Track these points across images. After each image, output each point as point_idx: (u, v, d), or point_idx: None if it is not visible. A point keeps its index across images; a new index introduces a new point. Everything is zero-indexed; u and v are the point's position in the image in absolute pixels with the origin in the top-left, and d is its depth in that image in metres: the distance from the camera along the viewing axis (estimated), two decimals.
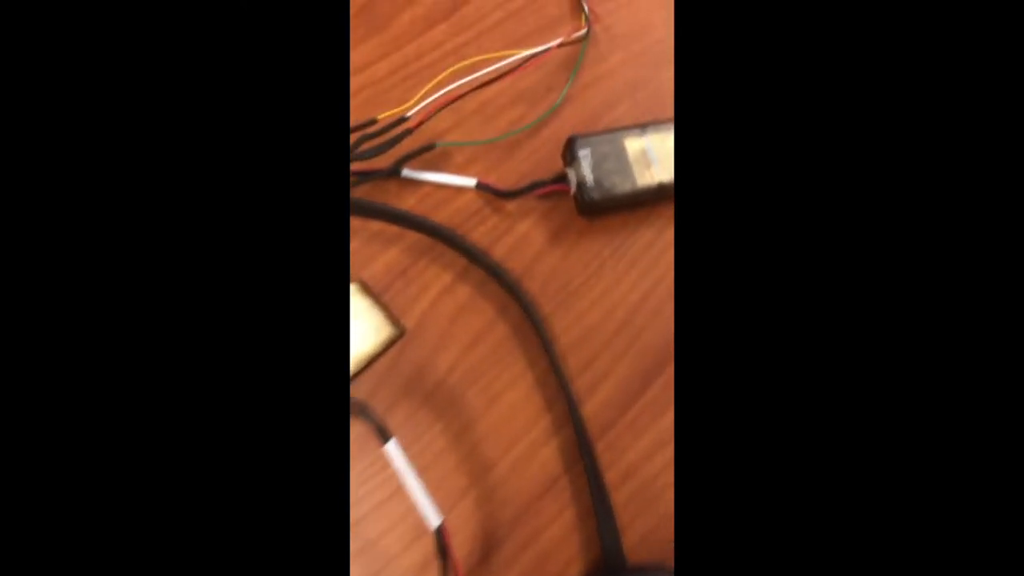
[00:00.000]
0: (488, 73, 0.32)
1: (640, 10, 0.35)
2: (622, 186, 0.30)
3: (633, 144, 0.30)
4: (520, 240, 0.31)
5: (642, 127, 0.31)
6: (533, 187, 0.31)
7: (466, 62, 0.33)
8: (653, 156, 0.30)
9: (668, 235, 0.31)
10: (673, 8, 0.34)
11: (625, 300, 0.30)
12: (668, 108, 0.33)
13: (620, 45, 0.34)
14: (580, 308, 0.30)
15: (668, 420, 0.29)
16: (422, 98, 0.31)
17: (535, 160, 0.32)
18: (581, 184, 0.29)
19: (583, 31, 0.33)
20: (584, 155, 0.30)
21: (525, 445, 0.28)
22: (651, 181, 0.30)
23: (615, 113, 0.33)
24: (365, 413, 0.25)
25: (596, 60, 0.34)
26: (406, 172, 0.30)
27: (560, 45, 0.33)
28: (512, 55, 0.32)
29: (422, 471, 0.26)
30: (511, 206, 0.31)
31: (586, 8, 0.34)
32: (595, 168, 0.30)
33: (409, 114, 0.31)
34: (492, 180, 0.32)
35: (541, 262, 0.31)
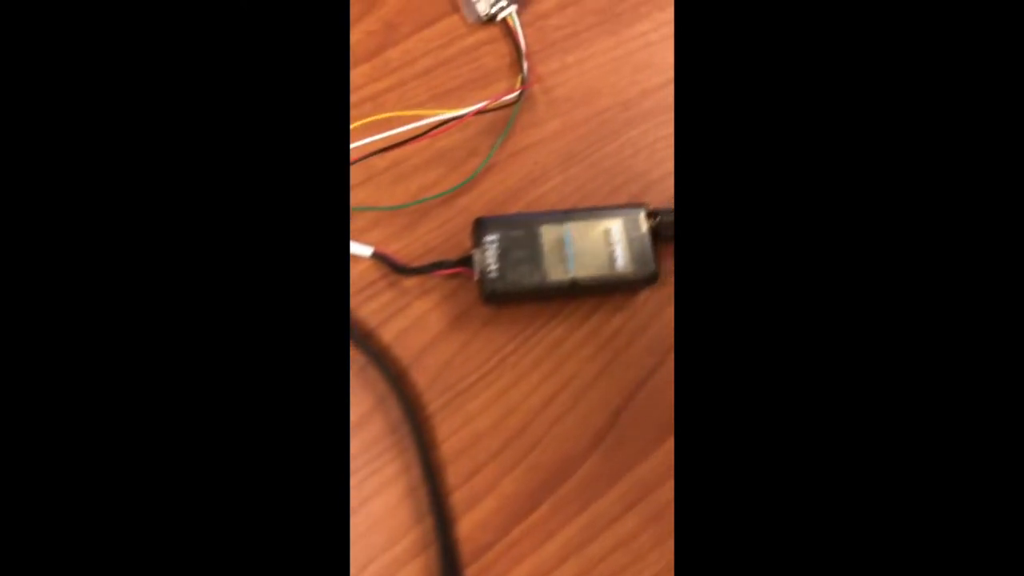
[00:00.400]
0: (402, 133, 0.28)
1: (588, 73, 0.32)
2: (530, 279, 0.26)
3: (550, 233, 0.27)
4: (415, 322, 0.28)
5: (564, 214, 0.27)
6: (434, 267, 0.27)
7: (379, 116, 0.29)
8: (570, 250, 0.27)
9: (580, 333, 0.28)
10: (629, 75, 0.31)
11: (523, 405, 0.27)
12: (601, 192, 0.30)
13: (559, 111, 0.31)
14: (470, 410, 0.27)
15: (553, 547, 0.25)
16: None
17: (446, 232, 0.29)
18: (483, 273, 0.26)
19: (515, 95, 0.30)
20: (491, 240, 0.26)
21: (386, 561, 0.25)
22: (563, 277, 0.26)
23: (541, 189, 0.30)
24: None
25: (530, 125, 0.31)
26: None
27: (481, 112, 0.29)
28: (430, 116, 0.29)
29: None
30: (410, 282, 0.28)
31: (524, 68, 0.31)
32: (502, 256, 0.26)
33: None
34: (393, 250, 0.28)
35: (435, 350, 0.28)
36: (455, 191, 0.29)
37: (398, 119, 0.29)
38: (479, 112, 0.29)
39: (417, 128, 0.28)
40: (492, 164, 0.30)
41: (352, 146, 0.28)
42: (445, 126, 0.29)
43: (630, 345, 0.28)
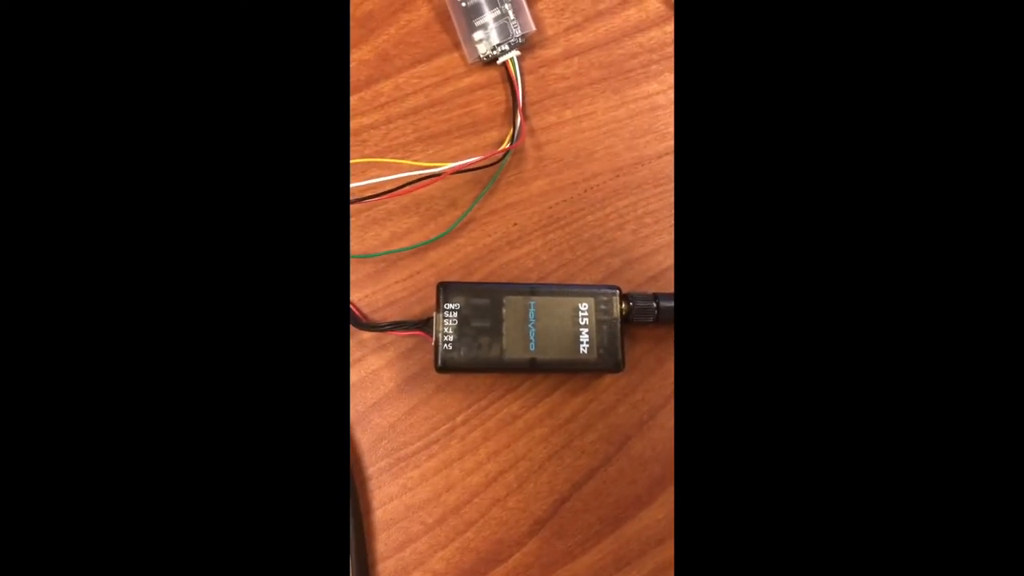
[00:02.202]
0: (378, 184, 0.27)
1: (584, 132, 0.30)
2: (487, 354, 0.25)
3: (514, 306, 0.26)
4: (367, 377, 0.27)
5: (532, 287, 0.26)
6: (392, 326, 0.26)
7: (359, 160, 0.28)
8: (534, 327, 0.26)
9: (536, 412, 0.27)
10: (621, 142, 0.30)
11: (465, 481, 0.26)
12: (579, 262, 0.28)
13: (548, 170, 0.30)
14: (410, 478, 0.26)
15: None
16: None
17: (413, 285, 0.28)
18: (439, 342, 0.25)
19: (500, 154, 0.29)
20: (452, 308, 0.25)
21: None
22: (522, 356, 0.25)
23: (517, 252, 0.29)
24: None
25: (515, 181, 0.29)
26: None
27: (462, 170, 0.28)
28: (409, 167, 0.28)
29: None
30: (367, 334, 0.27)
31: (517, 123, 0.29)
32: (462, 325, 0.25)
33: None
34: (355, 299, 0.27)
35: (382, 410, 0.27)
36: (427, 244, 0.28)
37: (375, 165, 0.28)
38: (459, 171, 0.28)
39: (395, 180, 0.27)
40: (470, 219, 0.29)
41: None
42: (421, 182, 0.27)
43: (586, 431, 0.27)
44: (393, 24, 0.31)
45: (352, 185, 0.27)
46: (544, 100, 0.31)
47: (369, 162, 0.28)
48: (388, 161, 0.28)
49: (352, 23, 0.31)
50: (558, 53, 0.31)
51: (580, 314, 0.26)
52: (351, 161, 0.28)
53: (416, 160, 0.29)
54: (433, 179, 0.27)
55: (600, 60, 0.31)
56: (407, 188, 0.27)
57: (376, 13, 0.31)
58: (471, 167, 0.28)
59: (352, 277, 0.28)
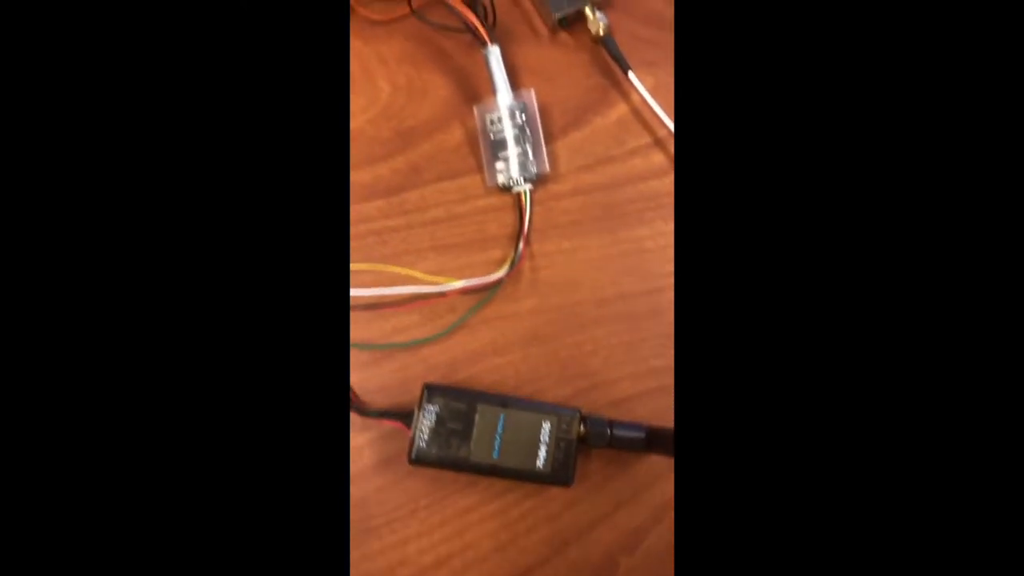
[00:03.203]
0: (390, 295, 0.32)
1: (577, 263, 0.34)
2: (455, 454, 0.29)
3: (486, 415, 0.30)
4: (350, 452, 0.31)
5: (504, 399, 0.30)
6: (379, 414, 0.30)
7: (374, 267, 0.33)
8: (499, 437, 0.29)
9: (489, 508, 0.31)
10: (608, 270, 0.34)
11: (417, 559, 0.30)
12: (550, 377, 0.32)
13: (539, 292, 0.34)
14: (368, 549, 0.30)
15: None
16: None
17: (403, 376, 0.32)
18: (415, 437, 0.29)
19: (498, 276, 0.33)
20: (430, 410, 0.29)
21: None
22: (485, 460, 0.29)
23: (499, 360, 0.33)
24: None
25: (509, 297, 0.34)
26: None
27: (465, 291, 0.32)
28: (420, 280, 0.32)
29: None
30: (356, 415, 0.31)
31: (518, 249, 0.33)
32: (437, 425, 0.29)
33: None
34: (352, 381, 0.31)
35: (357, 483, 0.31)
36: (423, 343, 0.32)
37: (389, 273, 0.33)
38: (463, 292, 0.32)
39: (406, 294, 0.32)
40: (464, 324, 0.33)
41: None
42: (428, 299, 0.32)
43: (531, 531, 0.31)
44: (429, 141, 0.35)
45: (369, 292, 0.32)
46: (547, 229, 0.35)
47: (386, 270, 0.33)
48: (402, 271, 0.33)
49: (396, 135, 0.35)
50: (567, 189, 0.35)
51: (543, 431, 0.30)
52: (369, 266, 0.33)
53: (425, 272, 0.33)
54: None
55: (602, 201, 0.35)
56: (416, 303, 0.32)
57: (418, 129, 0.35)
58: (472, 289, 0.33)
59: (352, 362, 0.32)
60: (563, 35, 0.37)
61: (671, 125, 0.36)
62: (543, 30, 0.38)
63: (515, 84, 0.36)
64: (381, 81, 0.36)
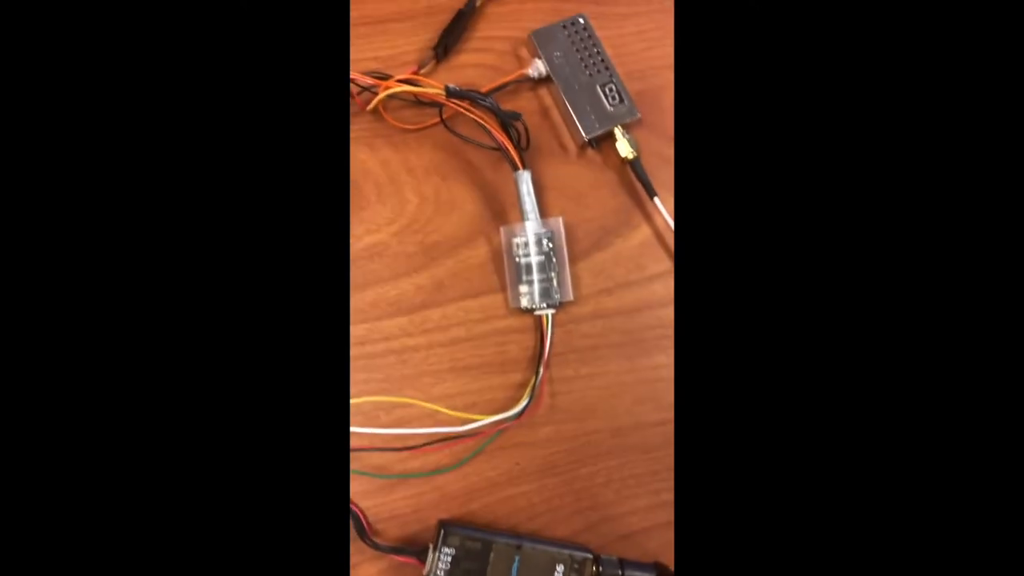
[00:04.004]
0: (402, 436, 0.32)
1: (594, 390, 0.35)
2: None
3: (500, 555, 0.30)
4: None
5: (519, 539, 0.30)
6: (393, 550, 0.31)
7: (391, 399, 0.33)
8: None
9: None
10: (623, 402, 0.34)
11: None
12: (563, 510, 0.33)
13: (556, 419, 0.34)
14: None
15: None
16: None
17: (417, 503, 0.32)
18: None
19: (516, 412, 0.33)
20: (448, 552, 0.29)
21: None
22: None
23: (513, 490, 0.33)
24: None
25: (526, 423, 0.34)
26: None
27: (482, 432, 0.32)
28: (436, 420, 0.32)
29: None
30: (368, 543, 0.31)
31: (538, 377, 0.34)
32: (453, 566, 0.29)
33: None
34: (365, 507, 0.31)
35: None
36: (439, 473, 0.32)
37: (408, 405, 0.33)
38: (479, 433, 0.32)
39: (423, 436, 0.32)
40: (481, 450, 0.33)
41: (353, 431, 0.32)
42: (450, 442, 0.32)
43: None
44: (454, 257, 0.35)
45: (392, 431, 0.32)
46: (567, 353, 0.35)
47: (404, 402, 0.33)
48: (424, 405, 0.33)
49: (421, 249, 0.35)
50: (587, 312, 0.36)
51: (556, 572, 0.30)
52: (389, 398, 0.33)
53: (446, 404, 0.33)
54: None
55: (622, 326, 0.36)
56: (438, 446, 0.32)
57: (443, 244, 0.35)
58: (493, 430, 0.33)
59: (364, 488, 0.32)
60: (591, 153, 0.38)
61: None
62: (572, 147, 0.38)
63: (541, 201, 0.36)
64: (408, 192, 0.36)
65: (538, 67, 0.37)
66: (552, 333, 0.35)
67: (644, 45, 0.40)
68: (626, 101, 0.37)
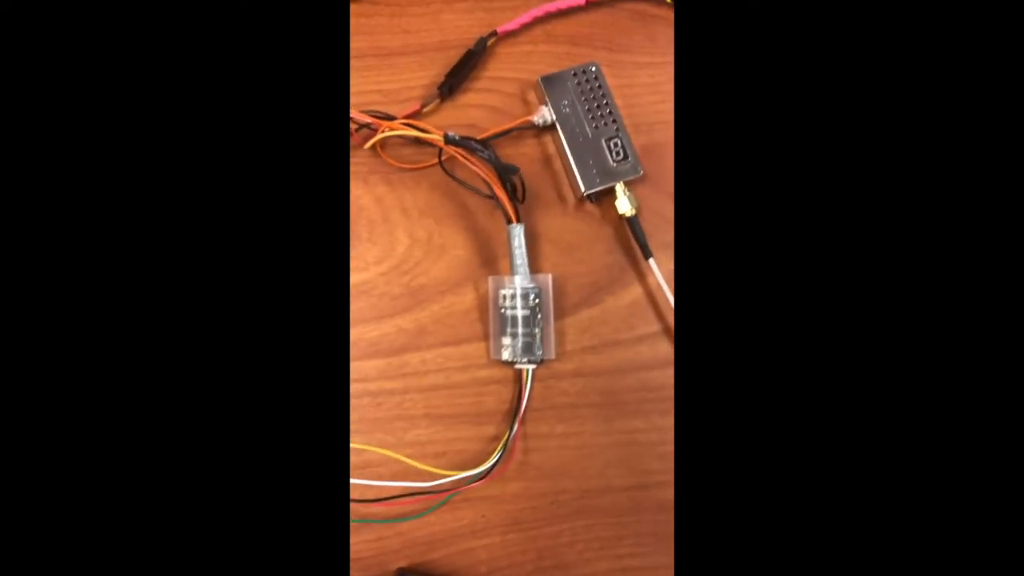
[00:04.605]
0: (367, 487, 0.32)
1: (568, 449, 0.35)
2: None
3: None
4: None
5: None
6: None
7: (364, 447, 0.33)
8: None
9: None
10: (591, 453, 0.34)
11: None
12: (525, 567, 0.33)
13: (526, 475, 0.34)
14: None
15: None
16: None
17: (378, 548, 0.32)
18: None
19: (485, 469, 0.32)
20: None
21: None
22: None
23: (477, 543, 0.33)
24: None
25: (495, 476, 0.34)
26: None
27: (452, 489, 0.32)
28: (408, 476, 0.32)
29: None
30: None
31: (512, 432, 0.34)
32: None
33: None
34: None
35: None
36: (403, 521, 0.32)
37: (377, 453, 0.33)
38: (450, 490, 0.32)
39: (381, 489, 0.32)
40: (450, 503, 0.33)
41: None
42: (418, 497, 0.32)
43: None
44: (439, 302, 0.35)
45: (361, 482, 0.32)
46: (544, 409, 0.35)
47: (377, 452, 0.33)
48: (399, 458, 0.33)
49: (407, 292, 0.35)
50: (569, 369, 0.36)
51: None
52: (358, 445, 0.33)
53: (415, 453, 0.33)
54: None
55: (603, 386, 0.35)
56: (407, 500, 0.32)
57: (429, 288, 0.35)
58: (461, 486, 0.33)
59: None
60: (590, 206, 0.37)
61: None
62: (571, 198, 0.37)
63: (534, 251, 0.36)
64: (400, 232, 0.36)
65: (544, 114, 0.37)
66: (531, 388, 0.35)
67: (656, 98, 0.39)
68: (630, 157, 0.37)
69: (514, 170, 0.33)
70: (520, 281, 0.34)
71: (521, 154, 0.37)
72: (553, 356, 0.35)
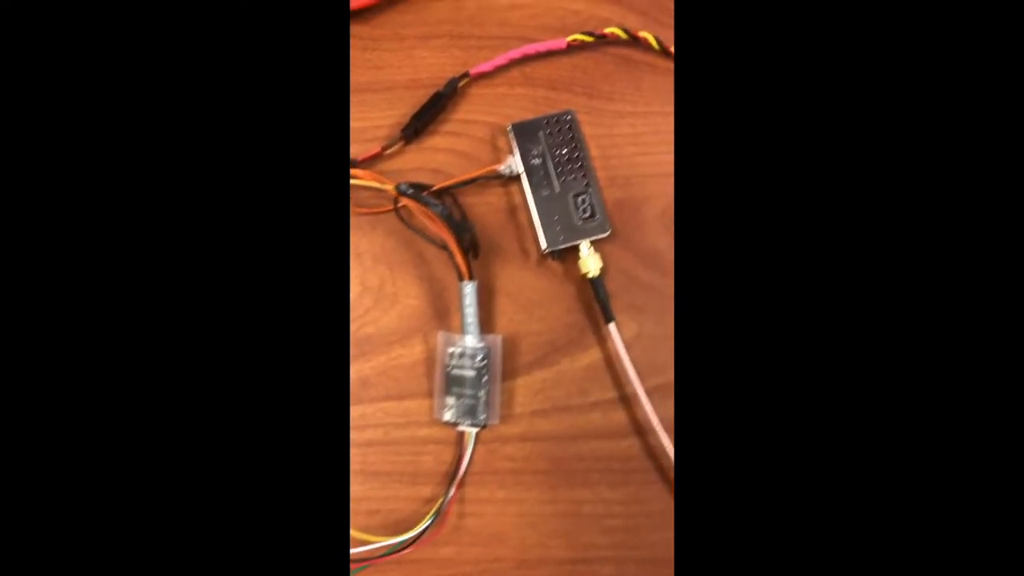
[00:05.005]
0: None
1: (506, 517, 0.33)
2: None
3: None
4: None
5: None
6: None
7: None
8: None
9: None
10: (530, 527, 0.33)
11: None
12: None
13: (460, 540, 0.33)
14: None
15: None
16: None
17: None
18: None
19: (418, 531, 0.31)
20: None
21: None
22: None
23: None
24: None
25: (427, 539, 0.33)
26: None
27: (364, 558, 0.31)
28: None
29: None
30: None
31: (446, 498, 0.32)
32: None
33: None
34: None
35: None
36: None
37: None
38: (385, 553, 0.31)
39: None
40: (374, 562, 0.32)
41: None
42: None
43: None
44: (385, 354, 0.34)
45: None
46: (485, 473, 0.34)
47: None
48: None
49: (352, 341, 0.34)
50: (516, 432, 0.34)
51: None
52: None
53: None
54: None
55: (549, 452, 0.34)
56: None
57: (376, 338, 0.34)
58: (391, 551, 0.31)
59: None
60: (553, 262, 0.36)
61: (639, 386, 0.34)
62: (534, 252, 0.36)
63: (491, 306, 0.35)
64: (352, 279, 0.35)
65: (511, 164, 0.35)
66: (473, 451, 0.34)
67: (634, 150, 0.37)
68: (598, 216, 0.35)
69: (467, 229, 0.32)
70: (469, 340, 0.33)
71: (486, 203, 0.36)
72: (497, 421, 0.33)
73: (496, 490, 0.34)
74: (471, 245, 0.33)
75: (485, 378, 0.33)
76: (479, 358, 0.33)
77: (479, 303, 0.34)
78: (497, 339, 0.34)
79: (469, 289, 0.33)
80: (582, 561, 0.34)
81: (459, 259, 0.33)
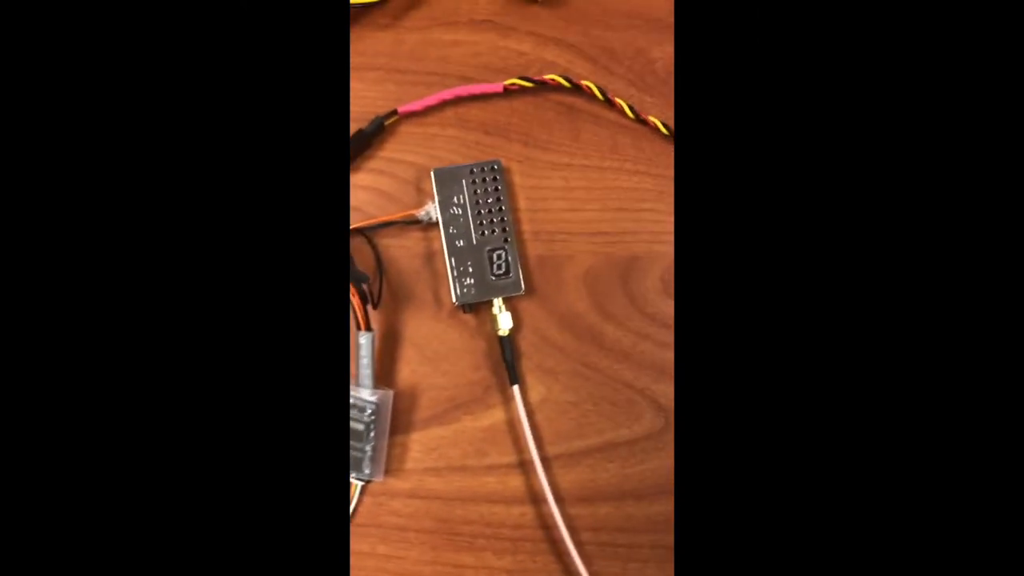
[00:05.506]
0: None
1: (385, 574, 0.32)
2: None
3: None
4: None
5: None
6: None
7: None
8: None
9: None
10: None
11: None
12: None
13: None
14: None
15: None
16: None
17: None
18: None
19: None
20: None
21: None
22: None
23: None
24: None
25: None
26: None
27: None
28: None
29: None
30: None
31: None
32: None
33: None
34: None
35: None
36: None
37: None
38: None
39: None
40: None
41: None
42: None
43: None
44: None
45: None
46: (368, 526, 0.33)
47: None
48: None
49: None
50: (405, 488, 0.33)
51: None
52: None
53: None
54: None
55: (438, 513, 0.33)
56: None
57: None
58: None
59: None
60: (466, 315, 0.35)
61: (535, 453, 0.33)
62: (447, 303, 0.35)
63: (394, 356, 0.34)
64: None
65: (429, 211, 0.34)
66: (357, 503, 0.33)
67: (564, 204, 0.36)
68: (512, 274, 0.33)
69: (364, 279, 0.31)
70: (363, 393, 0.32)
71: (403, 246, 0.35)
72: (382, 478, 0.33)
73: (377, 544, 0.33)
74: (369, 295, 0.32)
75: (372, 433, 0.32)
76: (368, 412, 0.32)
77: (383, 350, 0.34)
78: (389, 394, 0.32)
79: (364, 340, 0.32)
80: None
81: (357, 308, 0.32)
